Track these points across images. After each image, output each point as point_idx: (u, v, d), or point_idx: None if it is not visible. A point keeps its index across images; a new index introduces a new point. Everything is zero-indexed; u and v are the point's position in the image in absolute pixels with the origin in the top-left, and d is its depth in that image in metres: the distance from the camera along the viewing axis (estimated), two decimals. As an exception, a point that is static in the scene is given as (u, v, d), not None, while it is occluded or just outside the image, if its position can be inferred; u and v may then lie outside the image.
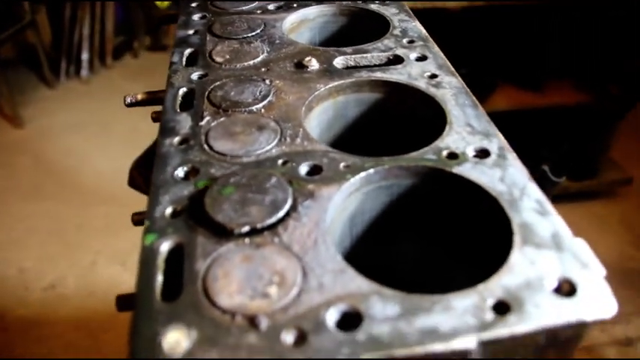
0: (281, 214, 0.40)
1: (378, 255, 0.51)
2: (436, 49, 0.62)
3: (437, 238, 0.49)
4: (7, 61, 3.90)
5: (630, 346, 2.16)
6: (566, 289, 0.35)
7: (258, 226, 0.39)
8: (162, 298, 0.36)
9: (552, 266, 0.36)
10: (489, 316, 0.33)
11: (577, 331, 0.34)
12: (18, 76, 3.86)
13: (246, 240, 0.38)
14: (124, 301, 0.47)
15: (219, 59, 0.60)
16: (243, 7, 0.73)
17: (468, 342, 0.31)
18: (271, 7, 0.73)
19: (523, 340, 0.33)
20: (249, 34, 0.65)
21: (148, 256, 0.38)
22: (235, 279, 0.36)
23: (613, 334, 2.17)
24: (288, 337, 0.32)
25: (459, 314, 0.33)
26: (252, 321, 0.33)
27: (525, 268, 0.36)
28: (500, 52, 2.68)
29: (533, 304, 0.34)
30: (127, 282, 2.37)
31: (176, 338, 0.32)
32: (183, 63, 0.61)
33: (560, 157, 1.54)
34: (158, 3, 3.88)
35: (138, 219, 0.55)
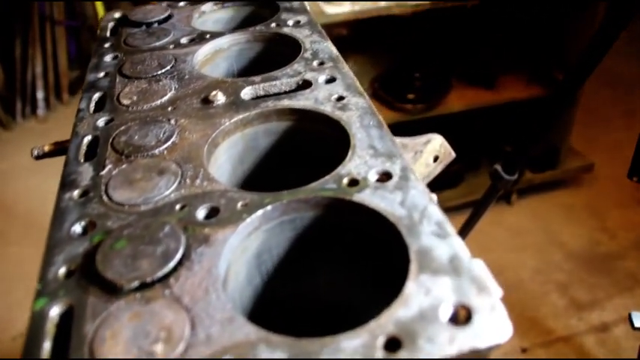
0: (172, 264, 0.39)
1: (295, 285, 0.50)
2: (346, 69, 0.62)
3: (349, 265, 0.49)
4: (-41, 107, 3.83)
5: (607, 332, 2.18)
6: (463, 315, 0.34)
7: (148, 279, 0.38)
8: (49, 366, 0.34)
9: (448, 293, 0.36)
10: (379, 354, 0.32)
11: (474, 358, 0.34)
12: (-28, 120, 3.79)
13: (137, 295, 0.37)
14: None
15: (126, 102, 0.59)
16: (156, 43, 0.72)
17: (355, 384, 0.31)
18: (184, 40, 0.72)
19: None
20: (159, 72, 0.64)
21: (36, 323, 0.37)
22: (122, 339, 0.34)
23: (589, 321, 2.19)
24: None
25: (348, 355, 0.32)
26: (135, 384, 0.32)
27: (420, 299, 0.35)
28: (452, 53, 2.71)
29: (425, 338, 0.33)
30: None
31: (57, 411, 0.31)
32: (91, 109, 0.60)
33: (511, 155, 1.56)
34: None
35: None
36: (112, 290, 0.38)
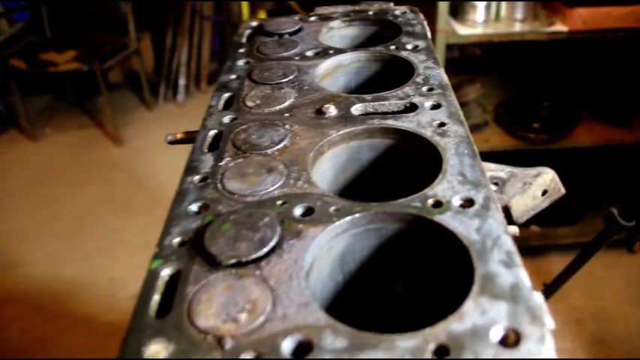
0: (265, 250, 0.45)
1: (372, 288, 0.55)
2: (452, 97, 0.65)
3: (423, 277, 0.52)
4: (114, 85, 4.26)
5: None
6: (512, 339, 0.37)
7: (243, 259, 0.44)
8: (155, 315, 0.42)
9: (503, 317, 0.39)
10: (427, 357, 0.36)
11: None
12: (122, 98, 4.21)
13: (233, 271, 0.44)
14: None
15: (250, 104, 0.67)
16: (284, 54, 0.79)
17: (401, 378, 0.35)
18: (309, 53, 0.79)
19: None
20: (282, 80, 0.71)
21: (150, 278, 0.45)
22: (215, 304, 0.41)
23: None
24: (247, 358, 0.37)
25: (399, 353, 0.37)
26: (219, 341, 0.38)
27: (475, 317, 0.39)
28: (586, 85, 2.60)
29: (472, 351, 0.37)
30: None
31: (157, 350, 0.39)
32: (220, 107, 0.69)
33: (632, 199, 1.47)
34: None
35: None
36: (213, 263, 0.45)
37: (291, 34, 0.85)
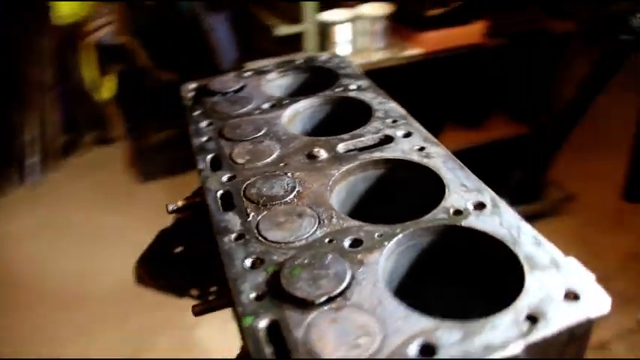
0: (346, 281, 0.51)
1: (414, 298, 0.62)
2: (417, 125, 0.75)
3: (460, 280, 0.61)
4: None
5: (605, 349, 2.31)
6: (572, 296, 0.47)
7: (332, 294, 0.49)
8: (276, 365, 0.45)
9: (557, 282, 0.49)
10: (525, 326, 0.45)
11: (587, 326, 0.46)
12: (-37, 190, 3.81)
13: (326, 307, 0.49)
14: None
15: (240, 160, 0.71)
16: (242, 110, 0.84)
17: (517, 348, 0.43)
18: (265, 106, 0.85)
19: (552, 340, 0.44)
20: (258, 134, 0.77)
21: (252, 335, 0.48)
22: (330, 339, 0.46)
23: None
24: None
25: (504, 327, 0.45)
26: (356, 366, 0.43)
27: (538, 287, 0.48)
28: (443, 98, 2.91)
29: (553, 313, 0.46)
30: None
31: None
32: (209, 168, 0.72)
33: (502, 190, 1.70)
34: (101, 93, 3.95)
35: (199, 310, 0.64)
36: (304, 305, 0.49)
37: (236, 91, 0.90)
